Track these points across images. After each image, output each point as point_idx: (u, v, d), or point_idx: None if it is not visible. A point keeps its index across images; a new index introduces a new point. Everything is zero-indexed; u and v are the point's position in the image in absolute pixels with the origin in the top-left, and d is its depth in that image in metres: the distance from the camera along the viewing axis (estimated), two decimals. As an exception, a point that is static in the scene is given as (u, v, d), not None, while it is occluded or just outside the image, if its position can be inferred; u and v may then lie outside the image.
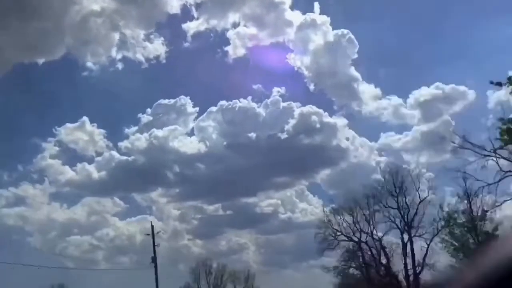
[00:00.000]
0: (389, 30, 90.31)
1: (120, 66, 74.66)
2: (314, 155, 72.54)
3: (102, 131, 72.32)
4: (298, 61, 77.46)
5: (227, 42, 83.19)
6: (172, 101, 75.26)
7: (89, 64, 73.48)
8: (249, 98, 76.63)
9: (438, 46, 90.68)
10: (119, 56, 73.03)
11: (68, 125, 72.93)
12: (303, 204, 75.05)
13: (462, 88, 70.67)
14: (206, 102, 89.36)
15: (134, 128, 74.20)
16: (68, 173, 71.12)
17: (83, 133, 72.74)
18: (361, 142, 75.64)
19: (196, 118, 74.67)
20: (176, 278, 65.53)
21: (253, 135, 72.73)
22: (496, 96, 70.83)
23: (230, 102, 74.28)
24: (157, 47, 74.03)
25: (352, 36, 72.04)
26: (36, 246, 61.68)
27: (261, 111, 74.68)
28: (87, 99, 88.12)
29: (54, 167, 70.86)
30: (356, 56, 72.62)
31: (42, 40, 67.28)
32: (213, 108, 74.66)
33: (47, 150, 70.46)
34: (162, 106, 75.38)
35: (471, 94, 70.81)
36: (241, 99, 75.12)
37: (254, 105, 74.92)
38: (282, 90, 75.02)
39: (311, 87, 78.78)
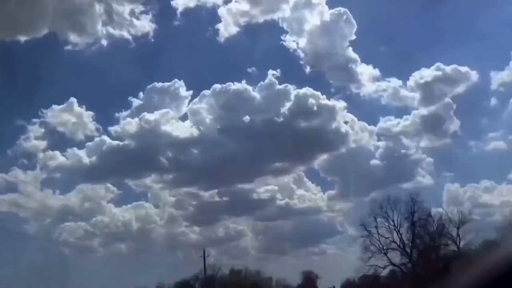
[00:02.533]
0: (388, 8, 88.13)
1: (107, 45, 70.64)
2: (312, 139, 70.21)
3: (91, 113, 68.64)
4: (294, 42, 74.54)
5: (218, 19, 78.35)
6: (167, 84, 71.49)
7: (74, 41, 68.91)
8: (244, 81, 73.35)
9: (439, 25, 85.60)
10: (106, 35, 69.12)
11: (55, 107, 68.83)
12: (301, 191, 74.57)
13: (464, 68, 69.20)
14: (199, 84, 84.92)
15: (126, 113, 70.87)
16: (58, 158, 67.98)
17: (71, 115, 68.64)
18: (360, 126, 74.67)
19: (190, 101, 71.51)
20: (173, 266, 65.80)
21: (248, 118, 70.19)
22: (500, 77, 70.08)
23: (224, 85, 71.19)
24: (145, 24, 70.29)
25: (350, 15, 70.02)
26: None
27: (256, 94, 72.25)
28: (74, 79, 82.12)
29: (43, 152, 67.45)
30: (354, 36, 70.22)
31: (23, 16, 62.54)
32: (207, 92, 71.75)
33: (33, 133, 66.91)
34: (154, 89, 72.03)
35: (474, 75, 69.48)
36: (235, 82, 72.09)
37: (249, 88, 71.75)
38: (278, 72, 72.59)
39: (307, 69, 77.58)
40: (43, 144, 67.42)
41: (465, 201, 66.32)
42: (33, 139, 67.43)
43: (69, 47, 70.57)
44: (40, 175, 66.66)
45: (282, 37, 74.10)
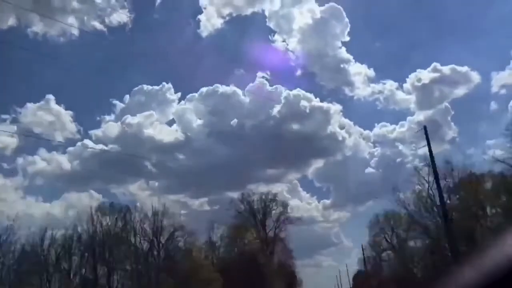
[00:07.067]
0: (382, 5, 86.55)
1: (83, 38, 71.48)
2: (306, 144, 71.07)
3: (70, 112, 68.38)
4: (283, 42, 77.31)
5: (199, 10, 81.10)
6: (157, 87, 72.99)
7: (46, 33, 69.05)
8: (232, 85, 75.36)
9: (436, 22, 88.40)
10: (81, 26, 68.27)
11: (29, 105, 67.56)
12: (295, 201, 74.06)
13: (464, 69, 69.30)
14: (186, 87, 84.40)
15: (109, 117, 72.27)
16: (38, 163, 66.77)
17: (48, 114, 67.51)
18: (355, 131, 74.71)
19: (178, 103, 73.04)
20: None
21: (236, 122, 70.85)
22: (501, 77, 68.94)
23: (211, 87, 72.01)
24: (122, 16, 70.27)
25: (343, 13, 71.78)
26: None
27: (245, 97, 72.34)
28: (50, 76, 79.53)
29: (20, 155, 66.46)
30: (347, 35, 73.07)
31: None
32: (194, 95, 72.82)
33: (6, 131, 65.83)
34: (139, 91, 72.81)
35: (474, 76, 69.65)
36: (223, 85, 73.01)
37: (238, 90, 73.13)
38: (267, 74, 73.72)
39: (298, 72, 76.80)
40: (14, 141, 64.73)
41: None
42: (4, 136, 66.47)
43: (40, 38, 69.40)
44: (21, 181, 65.17)
45: (271, 37, 74.22)
